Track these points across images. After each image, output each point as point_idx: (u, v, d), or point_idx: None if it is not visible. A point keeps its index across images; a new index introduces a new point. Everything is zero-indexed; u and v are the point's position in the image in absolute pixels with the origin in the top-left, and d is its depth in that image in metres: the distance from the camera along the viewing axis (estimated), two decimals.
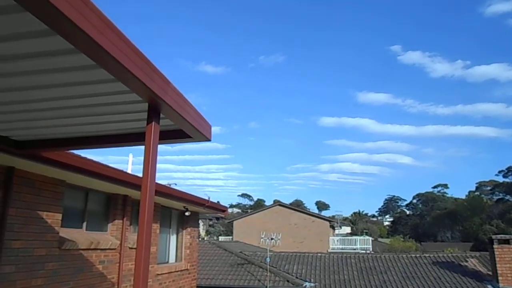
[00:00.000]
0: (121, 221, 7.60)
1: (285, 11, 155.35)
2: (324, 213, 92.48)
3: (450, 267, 17.05)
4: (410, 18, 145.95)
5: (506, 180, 76.88)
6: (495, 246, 14.79)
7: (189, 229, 11.29)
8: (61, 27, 1.74)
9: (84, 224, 6.84)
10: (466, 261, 17.50)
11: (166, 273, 9.48)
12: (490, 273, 15.72)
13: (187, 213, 10.44)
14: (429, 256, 18.58)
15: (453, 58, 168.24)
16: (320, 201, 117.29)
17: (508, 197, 75.09)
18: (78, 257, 6.26)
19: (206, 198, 10.39)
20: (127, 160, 11.87)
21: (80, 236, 6.47)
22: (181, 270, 10.53)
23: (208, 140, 3.65)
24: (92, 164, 5.47)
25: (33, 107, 3.00)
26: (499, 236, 15.35)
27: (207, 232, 70.99)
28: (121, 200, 7.63)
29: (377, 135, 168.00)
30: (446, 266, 17.20)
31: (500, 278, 14.47)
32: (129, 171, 10.73)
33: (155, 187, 2.88)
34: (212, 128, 3.71)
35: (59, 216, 5.79)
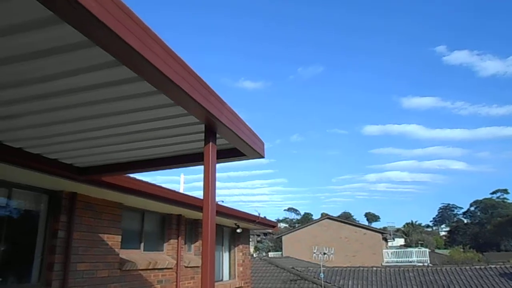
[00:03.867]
0: (176, 240, 7.74)
1: (321, 19, 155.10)
2: (375, 225, 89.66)
3: None
4: (454, 15, 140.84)
5: None
6: None
7: (240, 246, 11.30)
8: (127, 58, 1.81)
9: (142, 245, 7.02)
10: None
11: None
12: None
13: (238, 230, 10.46)
14: (495, 267, 17.37)
15: (504, 54, 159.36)
16: (369, 212, 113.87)
17: None
18: (138, 277, 6.42)
19: (256, 214, 10.38)
20: (175, 180, 12.19)
21: (138, 256, 6.64)
22: None
23: (262, 157, 3.66)
24: (148, 186, 5.63)
25: (97, 134, 3.15)
26: None
27: (256, 248, 70.80)
28: (175, 220, 7.78)
29: (426, 141, 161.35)
30: None
31: None
32: (181, 190, 10.98)
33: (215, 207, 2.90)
34: (264, 143, 3.71)
35: (118, 238, 5.98)
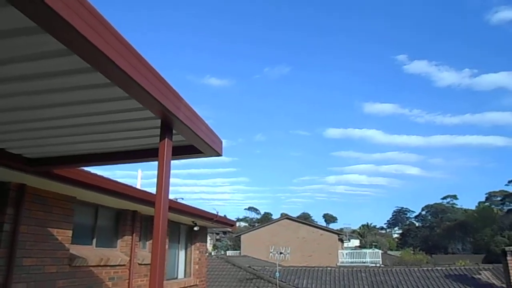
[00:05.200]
0: (130, 237, 7.58)
1: (289, 19, 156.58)
2: (332, 226, 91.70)
3: (463, 280, 16.75)
4: (416, 26, 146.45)
5: None
6: (508, 258, 14.51)
7: (197, 244, 11.24)
8: (79, 48, 1.77)
9: (94, 241, 6.83)
10: (479, 274, 17.18)
11: None
12: (504, 285, 15.39)
13: (196, 228, 10.39)
14: (441, 269, 18.28)
15: (460, 66, 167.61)
16: (327, 213, 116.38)
17: None
18: (88, 273, 6.24)
19: (215, 212, 10.35)
20: (134, 174, 11.98)
21: (90, 252, 6.45)
22: (190, 286, 10.44)
23: (220, 155, 3.66)
24: (102, 180, 5.48)
25: (47, 125, 3.03)
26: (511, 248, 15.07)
27: (214, 247, 70.57)
28: (130, 216, 7.62)
29: (385, 146, 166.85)
30: (459, 279, 16.89)
31: None
32: (138, 186, 10.76)
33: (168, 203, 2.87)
34: (222, 141, 3.72)
35: (69, 233, 5.79)
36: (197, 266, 11.09)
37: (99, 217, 6.98)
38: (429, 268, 18.62)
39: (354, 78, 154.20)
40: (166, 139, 2.83)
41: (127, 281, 7.29)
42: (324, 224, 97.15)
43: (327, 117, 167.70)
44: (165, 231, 2.78)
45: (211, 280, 17.30)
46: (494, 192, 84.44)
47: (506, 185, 79.05)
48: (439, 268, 18.66)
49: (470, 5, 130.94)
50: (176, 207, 8.12)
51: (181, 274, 10.48)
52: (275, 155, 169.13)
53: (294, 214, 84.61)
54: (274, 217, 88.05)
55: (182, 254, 10.70)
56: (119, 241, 7.48)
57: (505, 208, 77.19)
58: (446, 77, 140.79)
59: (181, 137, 3.14)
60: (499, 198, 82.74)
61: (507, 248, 15.12)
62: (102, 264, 6.54)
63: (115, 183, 5.81)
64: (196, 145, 3.33)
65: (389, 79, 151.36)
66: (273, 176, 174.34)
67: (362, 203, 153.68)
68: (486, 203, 79.64)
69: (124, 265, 7.23)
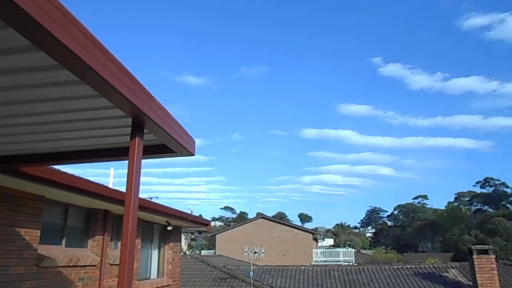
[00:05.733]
0: (101, 237, 7.45)
1: (268, 19, 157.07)
2: (307, 225, 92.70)
3: (432, 278, 17.24)
4: (391, 30, 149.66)
5: (483, 191, 78.79)
6: (474, 256, 15.05)
7: (171, 244, 11.14)
8: (46, 44, 1.73)
9: (64, 241, 6.68)
10: (447, 272, 17.73)
11: None
12: (470, 283, 15.94)
13: (169, 228, 10.30)
14: (411, 267, 18.76)
15: (432, 70, 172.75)
16: (303, 213, 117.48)
17: (485, 207, 76.80)
18: (57, 274, 6.09)
19: (189, 212, 10.29)
20: (107, 173, 11.72)
21: (59, 253, 6.31)
22: (163, 286, 10.34)
23: (192, 155, 3.65)
24: (72, 179, 5.37)
25: (14, 122, 2.96)
26: (478, 247, 15.64)
27: (189, 246, 70.13)
28: (101, 215, 7.49)
29: (359, 147, 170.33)
30: (428, 277, 17.38)
31: None
32: (110, 185, 10.59)
33: (138, 202, 2.85)
34: (195, 140, 3.72)
35: (37, 233, 5.64)
36: (170, 266, 10.99)
37: (69, 217, 6.82)
38: (399, 267, 19.08)
39: (331, 79, 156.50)
40: (137, 138, 2.80)
41: (97, 281, 7.16)
42: (299, 223, 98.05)
43: (304, 118, 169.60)
44: (135, 230, 2.75)
45: (184, 280, 17.19)
46: (462, 192, 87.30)
47: (474, 186, 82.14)
48: (409, 266, 19.15)
49: (443, 11, 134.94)
50: (149, 207, 8.04)
51: (154, 275, 10.37)
52: (252, 155, 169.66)
53: (270, 213, 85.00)
54: (250, 216, 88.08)
55: (155, 254, 10.59)
56: (90, 241, 7.33)
57: (473, 208, 79.99)
58: (419, 80, 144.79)
59: (153, 136, 3.12)
60: (467, 199, 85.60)
61: (473, 247, 15.68)
62: (71, 264, 6.40)
63: (85, 182, 5.70)
64: (168, 144, 3.32)
65: (364, 81, 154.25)
66: (250, 175, 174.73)
67: (336, 202, 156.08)
68: (455, 203, 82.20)
69: (94, 265, 7.10)
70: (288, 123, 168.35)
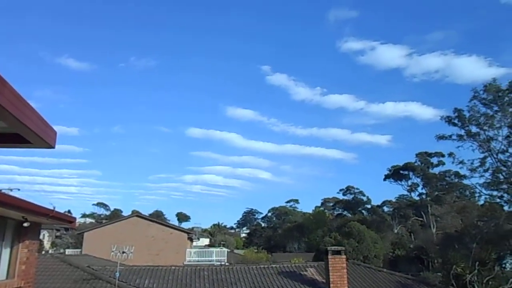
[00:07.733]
0: None
1: (162, 16, 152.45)
2: (184, 225, 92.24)
3: (292, 276, 18.69)
4: (279, 41, 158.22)
5: (345, 197, 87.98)
6: (329, 256, 16.82)
7: (27, 242, 10.09)
8: None
9: None
10: (306, 270, 19.42)
11: None
12: (324, 281, 17.74)
13: (25, 224, 9.33)
14: (276, 267, 20.05)
15: (313, 84, 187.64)
16: (181, 212, 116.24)
17: (345, 212, 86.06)
18: None
19: (51, 207, 9.47)
20: None
21: None
22: None
23: (52, 147, 3.44)
24: None
25: None
26: (333, 248, 17.57)
27: (53, 244, 64.24)
28: None
29: (242, 150, 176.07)
30: (289, 275, 18.80)
31: (331, 285, 16.45)
32: None
33: None
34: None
35: None
36: (23, 267, 9.95)
37: None
38: (266, 266, 20.27)
39: (220, 81, 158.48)
40: None
41: None
42: (177, 222, 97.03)
43: (191, 117, 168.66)
44: None
45: (41, 281, 15.66)
46: (328, 198, 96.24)
47: (338, 192, 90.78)
48: (274, 266, 20.46)
49: (327, 31, 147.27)
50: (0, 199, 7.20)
51: (2, 276, 9.27)
52: (133, 150, 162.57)
53: (147, 211, 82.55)
54: (125, 214, 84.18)
55: (6, 253, 9.47)
56: None
57: (335, 213, 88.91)
58: (301, 92, 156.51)
59: (3, 123, 2.87)
60: (331, 204, 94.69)
61: (329, 248, 17.53)
62: None
63: None
64: (23, 134, 3.07)
65: (252, 87, 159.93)
66: (129, 171, 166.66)
67: (216, 203, 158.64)
68: (321, 208, 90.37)
69: None
70: (174, 120, 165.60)
